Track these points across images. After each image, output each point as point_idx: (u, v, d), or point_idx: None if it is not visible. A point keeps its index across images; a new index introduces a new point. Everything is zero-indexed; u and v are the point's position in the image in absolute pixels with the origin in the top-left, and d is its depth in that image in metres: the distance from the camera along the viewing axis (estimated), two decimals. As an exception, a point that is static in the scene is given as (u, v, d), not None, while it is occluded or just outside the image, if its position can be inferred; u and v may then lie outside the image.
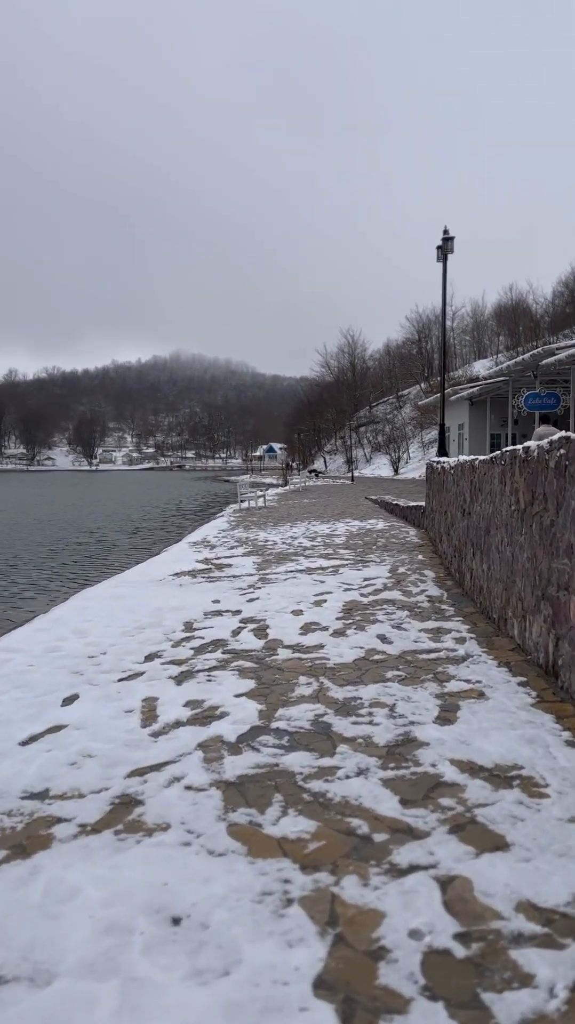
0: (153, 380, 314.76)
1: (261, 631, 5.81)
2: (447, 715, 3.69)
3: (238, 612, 6.61)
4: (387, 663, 4.74)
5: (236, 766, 3.18)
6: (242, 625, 6.05)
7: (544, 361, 22.62)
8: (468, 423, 35.29)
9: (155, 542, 18.99)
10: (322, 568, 9.18)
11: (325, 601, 6.96)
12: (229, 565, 9.87)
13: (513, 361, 26.96)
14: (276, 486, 44.07)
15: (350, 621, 6.05)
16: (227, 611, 6.68)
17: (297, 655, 5.04)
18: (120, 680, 4.59)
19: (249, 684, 4.37)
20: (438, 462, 10.35)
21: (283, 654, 5.09)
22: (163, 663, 4.95)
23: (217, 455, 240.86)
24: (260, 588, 7.86)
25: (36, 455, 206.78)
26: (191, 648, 5.35)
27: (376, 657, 4.89)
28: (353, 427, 75.67)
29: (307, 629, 5.83)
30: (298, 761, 3.20)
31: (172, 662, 4.97)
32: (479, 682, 4.22)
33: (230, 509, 25.51)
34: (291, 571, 9.08)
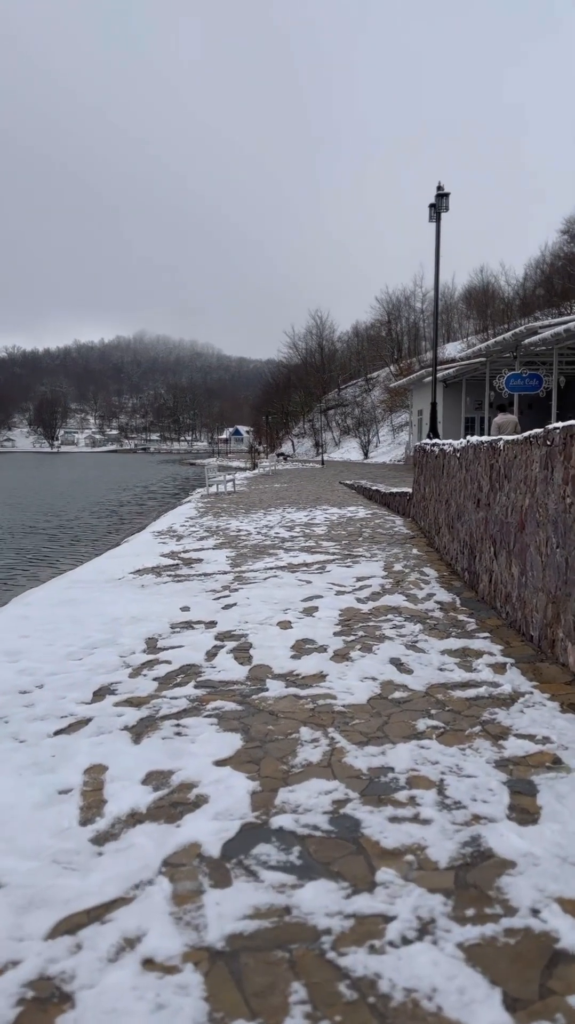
0: (116, 361, 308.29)
1: (243, 652, 4.65)
2: (524, 803, 2.58)
3: (212, 624, 5.43)
4: (413, 704, 3.62)
5: (224, 914, 2.03)
6: (218, 643, 4.89)
7: (527, 340, 21.67)
8: (442, 405, 34.32)
9: (116, 530, 17.66)
10: (306, 564, 8.03)
11: (316, 609, 5.82)
12: (199, 560, 8.67)
13: (492, 340, 25.95)
14: (244, 470, 42.81)
15: (352, 638, 4.92)
16: (199, 622, 5.50)
17: (293, 690, 3.89)
18: (57, 733, 3.39)
19: (233, 741, 3.21)
20: (434, 444, 9.26)
21: (274, 688, 3.94)
22: (117, 703, 3.76)
23: (182, 438, 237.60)
24: (237, 590, 6.69)
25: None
26: (154, 679, 4.17)
27: (397, 695, 3.77)
28: (322, 410, 74.48)
29: (300, 649, 4.68)
30: (320, 902, 2.06)
31: (128, 702, 3.78)
32: (548, 740, 3.11)
33: (197, 494, 24.21)
34: (271, 568, 7.92)
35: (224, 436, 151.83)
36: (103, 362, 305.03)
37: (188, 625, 5.43)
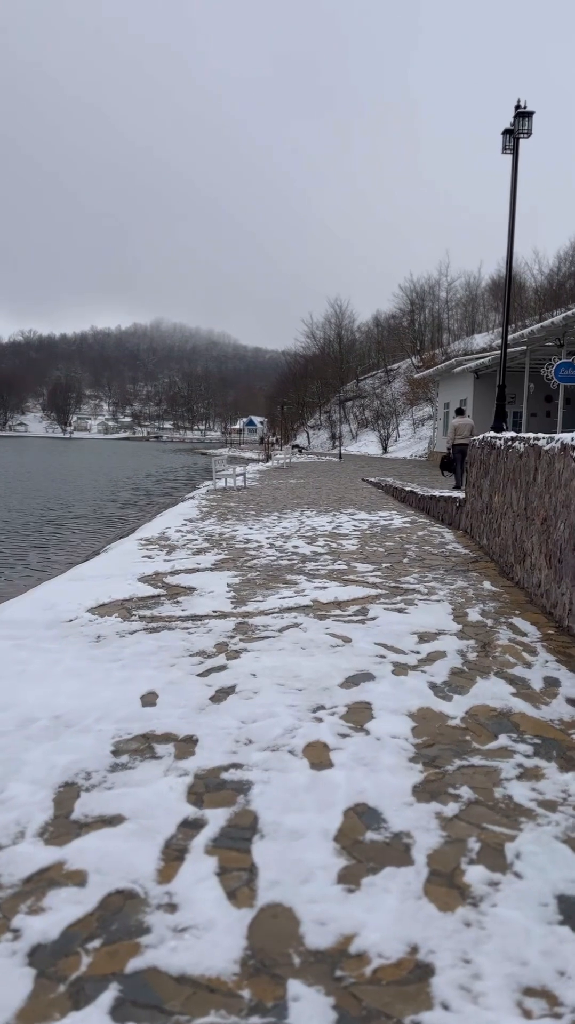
0: (132, 348, 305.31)
1: (238, 850, 2.29)
2: None
3: (189, 744, 3.07)
4: None
5: None
6: (193, 811, 2.52)
7: (580, 325, 19.12)
8: (472, 399, 31.76)
9: (100, 531, 15.35)
10: (339, 604, 5.65)
11: (370, 710, 3.44)
12: (189, 590, 6.29)
13: (538, 325, 23.36)
14: (257, 461, 40.41)
15: (452, 810, 2.53)
16: (166, 738, 3.14)
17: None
18: None
19: None
20: (515, 438, 6.83)
21: (308, 1032, 1.57)
22: None
23: (196, 427, 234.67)
24: (238, 655, 4.32)
25: (8, 420, 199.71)
26: (25, 974, 1.80)
27: None
28: (339, 401, 71.78)
29: (352, 844, 2.31)
30: None
31: None
32: None
33: (204, 488, 21.82)
34: (289, 608, 5.56)
35: (238, 426, 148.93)
36: (119, 349, 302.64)
37: (146, 746, 3.06)
